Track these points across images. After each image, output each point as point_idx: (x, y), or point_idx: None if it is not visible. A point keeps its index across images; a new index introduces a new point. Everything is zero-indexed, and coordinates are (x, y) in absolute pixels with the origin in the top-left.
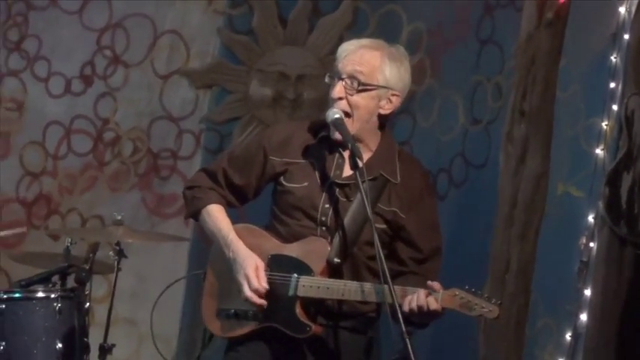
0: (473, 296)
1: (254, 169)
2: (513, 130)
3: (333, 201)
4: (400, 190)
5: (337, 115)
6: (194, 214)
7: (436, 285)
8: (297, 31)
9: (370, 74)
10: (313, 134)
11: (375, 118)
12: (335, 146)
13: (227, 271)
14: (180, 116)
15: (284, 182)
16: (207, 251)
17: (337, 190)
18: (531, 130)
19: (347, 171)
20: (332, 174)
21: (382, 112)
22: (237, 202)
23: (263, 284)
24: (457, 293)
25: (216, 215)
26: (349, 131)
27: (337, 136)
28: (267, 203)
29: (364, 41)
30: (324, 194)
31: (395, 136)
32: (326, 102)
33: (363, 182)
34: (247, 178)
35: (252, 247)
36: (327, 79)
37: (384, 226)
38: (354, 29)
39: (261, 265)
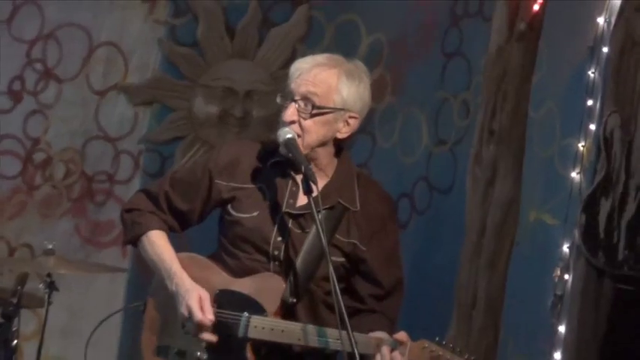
0: (443, 349)
1: (199, 194)
2: (482, 152)
3: (287, 233)
4: (360, 219)
5: (289, 136)
6: (133, 240)
7: (403, 336)
8: (246, 43)
9: (325, 95)
10: (264, 157)
11: (331, 142)
12: (288, 171)
13: (170, 304)
14: (117, 136)
15: (232, 211)
16: (146, 284)
17: (291, 220)
18: (501, 152)
19: (301, 199)
20: (285, 203)
21: (339, 135)
22: (180, 228)
23: (209, 316)
24: (426, 345)
25: (158, 243)
26: (302, 153)
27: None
28: (213, 228)
29: (319, 58)
30: (276, 226)
31: (352, 158)
32: (277, 120)
33: (318, 212)
34: (191, 203)
35: (197, 280)
36: (278, 100)
37: (342, 259)
38: (308, 41)
39: (206, 296)
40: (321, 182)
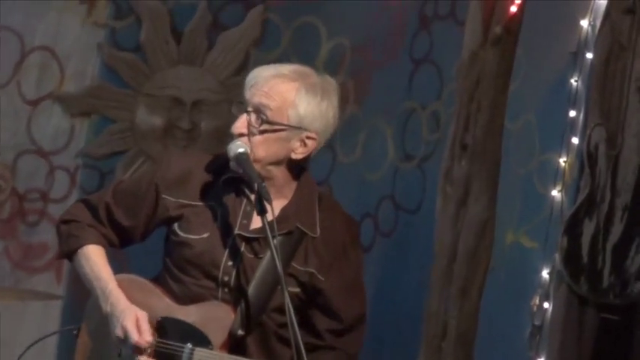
0: None
1: (143, 209)
2: (453, 168)
3: (238, 258)
4: (319, 246)
5: (241, 150)
6: (68, 254)
7: None
8: (194, 48)
9: (279, 110)
10: (217, 171)
11: (286, 162)
12: (242, 188)
13: (104, 327)
14: (52, 150)
15: (179, 232)
16: (82, 309)
17: (243, 244)
18: (475, 168)
19: (256, 221)
20: (237, 224)
21: (294, 155)
22: (120, 244)
23: (146, 338)
24: None
25: (95, 260)
26: (255, 170)
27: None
28: (157, 247)
29: (282, 69)
30: (227, 249)
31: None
32: (228, 133)
33: (273, 237)
34: (134, 219)
35: (138, 306)
36: (233, 110)
37: (297, 289)
38: (263, 46)
39: (143, 315)
40: (279, 204)
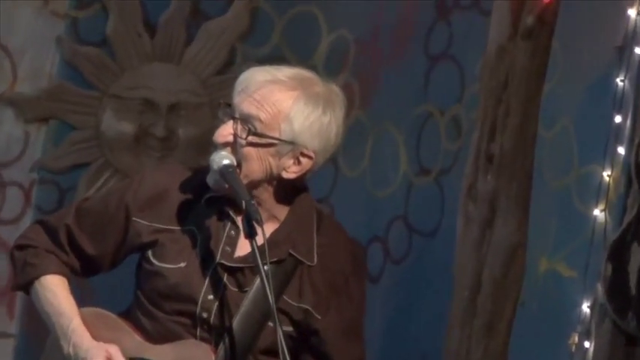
0: None
1: (111, 234)
2: (477, 183)
3: (220, 291)
4: (316, 276)
5: (227, 162)
6: (24, 285)
7: None
8: (171, 42)
9: (270, 122)
10: (198, 189)
11: (274, 183)
12: (227, 210)
13: None
14: (2, 162)
15: (153, 260)
16: (40, 353)
17: (226, 275)
18: (502, 183)
19: (241, 248)
20: (219, 252)
21: (285, 174)
22: (84, 273)
23: None
24: None
25: (55, 291)
26: (243, 185)
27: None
28: (128, 275)
29: (280, 74)
30: (207, 280)
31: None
32: (211, 142)
33: (264, 263)
34: (101, 246)
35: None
36: (219, 113)
37: (290, 328)
38: (252, 39)
39: (116, 351)
40: (269, 228)
